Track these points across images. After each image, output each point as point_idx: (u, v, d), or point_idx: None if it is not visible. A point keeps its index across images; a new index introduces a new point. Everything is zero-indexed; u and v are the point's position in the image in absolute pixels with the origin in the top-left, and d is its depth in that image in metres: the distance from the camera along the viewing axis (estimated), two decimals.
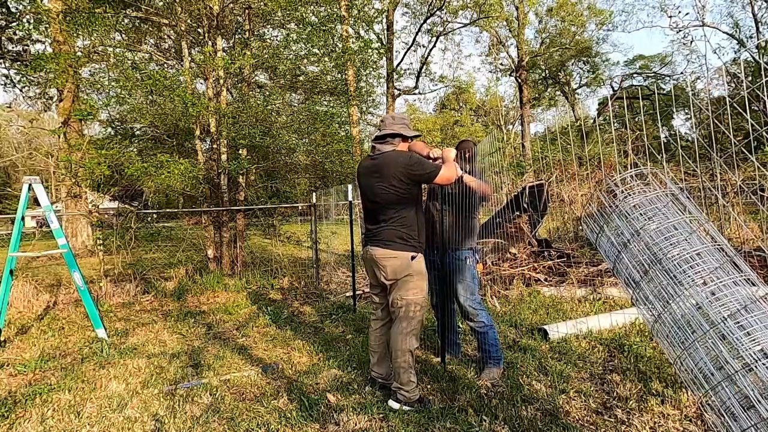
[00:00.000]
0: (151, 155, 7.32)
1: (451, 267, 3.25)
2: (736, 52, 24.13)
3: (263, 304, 5.71)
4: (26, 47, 11.82)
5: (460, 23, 25.16)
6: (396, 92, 23.60)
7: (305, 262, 8.38)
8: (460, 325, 3.94)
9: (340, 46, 9.36)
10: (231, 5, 7.88)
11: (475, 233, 3.33)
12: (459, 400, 2.79)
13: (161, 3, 7.95)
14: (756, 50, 21.98)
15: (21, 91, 12.49)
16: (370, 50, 9.90)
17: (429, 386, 3.01)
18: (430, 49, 25.03)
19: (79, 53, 8.61)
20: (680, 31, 21.53)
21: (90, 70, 9.13)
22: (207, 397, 2.93)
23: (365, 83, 11.47)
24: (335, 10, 9.11)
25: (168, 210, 9.47)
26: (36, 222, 16.66)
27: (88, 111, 7.34)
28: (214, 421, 2.62)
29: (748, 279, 1.58)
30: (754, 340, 1.44)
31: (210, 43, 7.57)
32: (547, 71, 28.78)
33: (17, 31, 11.24)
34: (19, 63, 11.74)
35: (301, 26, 8.19)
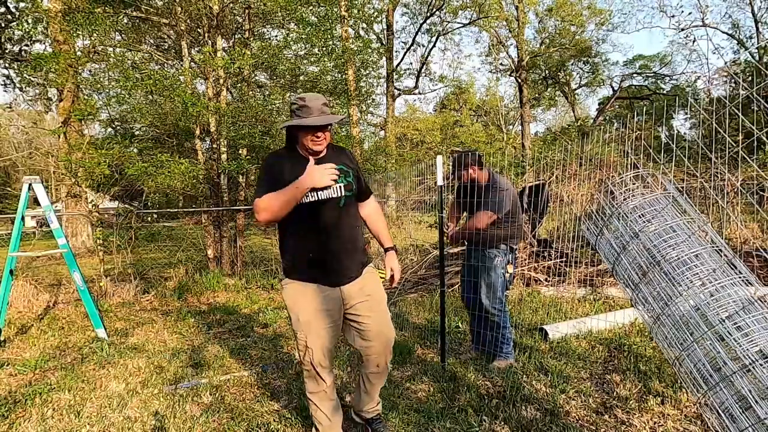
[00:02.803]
0: (151, 155, 7.32)
1: (479, 263, 3.31)
2: (735, 53, 24.13)
3: (263, 304, 5.72)
4: (26, 47, 11.83)
5: (459, 23, 25.14)
6: (396, 92, 23.59)
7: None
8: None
9: (340, 46, 9.36)
10: (231, 5, 7.88)
11: (512, 234, 3.34)
12: (459, 400, 2.79)
13: (161, 3, 7.95)
14: (756, 51, 21.98)
15: (21, 91, 12.50)
16: (369, 50, 9.90)
17: (429, 386, 3.01)
18: (430, 49, 25.03)
19: (79, 53, 8.61)
20: (682, 30, 21.49)
21: (90, 70, 9.14)
22: (207, 396, 2.93)
23: (365, 83, 11.47)
24: (335, 10, 9.11)
25: (168, 210, 9.48)
26: (36, 222, 16.66)
27: (88, 111, 7.35)
28: (214, 420, 2.63)
29: (746, 280, 1.58)
30: (752, 341, 1.45)
31: (210, 42, 7.57)
32: (547, 71, 28.75)
33: (17, 31, 11.24)
34: (18, 63, 11.75)
35: (301, 26, 8.19)
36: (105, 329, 4.46)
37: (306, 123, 2.00)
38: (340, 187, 2.12)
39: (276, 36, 9.45)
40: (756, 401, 1.35)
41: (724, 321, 1.47)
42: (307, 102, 2.03)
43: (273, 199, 1.99)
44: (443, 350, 3.37)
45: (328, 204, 2.09)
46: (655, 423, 2.47)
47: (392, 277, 2.32)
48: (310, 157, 2.06)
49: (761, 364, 1.37)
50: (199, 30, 7.89)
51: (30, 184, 4.32)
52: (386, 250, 2.37)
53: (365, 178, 2.41)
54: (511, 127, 37.63)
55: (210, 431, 2.54)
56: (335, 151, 2.21)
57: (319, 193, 2.06)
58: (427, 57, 25.04)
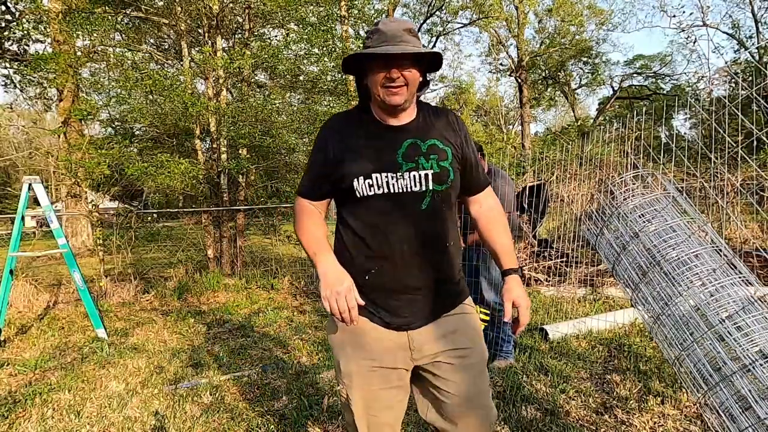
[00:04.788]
0: (151, 155, 7.32)
1: (479, 260, 3.32)
2: (735, 52, 24.16)
3: (263, 304, 5.71)
4: (26, 47, 11.83)
5: (459, 23, 25.19)
6: None
7: (305, 261, 8.37)
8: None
9: (340, 46, 9.36)
10: (231, 5, 7.88)
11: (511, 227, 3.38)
12: None
13: (161, 3, 7.96)
14: (756, 50, 22.00)
15: (21, 91, 12.49)
16: None
17: None
18: None
19: (79, 53, 8.61)
20: (684, 30, 21.50)
21: (90, 70, 9.14)
22: (207, 396, 2.93)
23: None
24: (335, 10, 9.11)
25: (168, 210, 9.47)
26: (36, 222, 16.66)
27: (88, 111, 7.35)
28: (214, 420, 2.63)
29: (746, 280, 1.58)
30: (752, 341, 1.45)
31: (210, 42, 7.57)
32: (547, 71, 28.76)
33: (16, 31, 11.24)
34: (18, 63, 11.74)
35: (301, 26, 8.19)
36: (105, 329, 4.46)
37: (369, 51, 1.22)
38: (425, 175, 1.29)
39: (276, 36, 9.45)
40: (756, 401, 1.35)
41: (724, 321, 1.48)
42: (381, 26, 1.26)
43: (298, 227, 1.42)
44: None
45: (404, 202, 1.29)
46: (655, 423, 2.47)
47: (517, 318, 1.41)
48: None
49: (761, 364, 1.37)
50: (199, 30, 7.89)
51: (30, 184, 4.32)
52: (505, 272, 1.45)
53: (477, 158, 1.45)
54: (511, 127, 37.65)
55: (210, 431, 2.54)
56: (431, 116, 1.38)
57: (389, 182, 1.27)
58: None
